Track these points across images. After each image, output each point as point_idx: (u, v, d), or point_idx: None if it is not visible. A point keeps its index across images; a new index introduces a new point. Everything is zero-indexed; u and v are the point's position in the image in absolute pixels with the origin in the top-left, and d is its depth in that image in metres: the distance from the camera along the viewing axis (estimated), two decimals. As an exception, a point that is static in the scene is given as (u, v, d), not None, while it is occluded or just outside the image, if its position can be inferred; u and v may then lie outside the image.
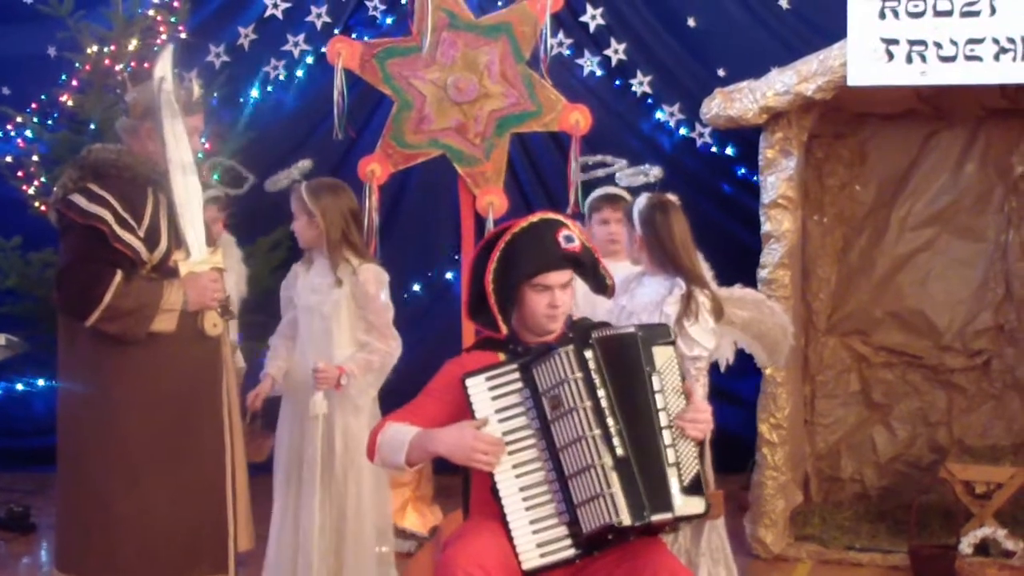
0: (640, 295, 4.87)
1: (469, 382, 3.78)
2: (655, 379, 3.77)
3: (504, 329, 3.93)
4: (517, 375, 3.78)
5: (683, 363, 3.97)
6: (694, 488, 3.75)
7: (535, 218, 4.00)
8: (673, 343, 3.88)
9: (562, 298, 3.93)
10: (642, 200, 4.93)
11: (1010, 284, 7.05)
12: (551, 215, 4.04)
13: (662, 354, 3.82)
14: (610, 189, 5.78)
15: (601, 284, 4.06)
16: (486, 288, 3.91)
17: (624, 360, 3.78)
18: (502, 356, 3.91)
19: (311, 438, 5.07)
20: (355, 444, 5.16)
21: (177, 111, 4.13)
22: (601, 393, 3.72)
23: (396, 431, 3.87)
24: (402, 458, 3.85)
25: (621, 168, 6.09)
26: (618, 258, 5.25)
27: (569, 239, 3.93)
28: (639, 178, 5.79)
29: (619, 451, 3.69)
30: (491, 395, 3.78)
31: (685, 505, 3.71)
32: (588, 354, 3.75)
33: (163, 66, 4.20)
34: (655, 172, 5.85)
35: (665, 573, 3.69)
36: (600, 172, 6.19)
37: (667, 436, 3.74)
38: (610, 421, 3.70)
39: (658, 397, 3.76)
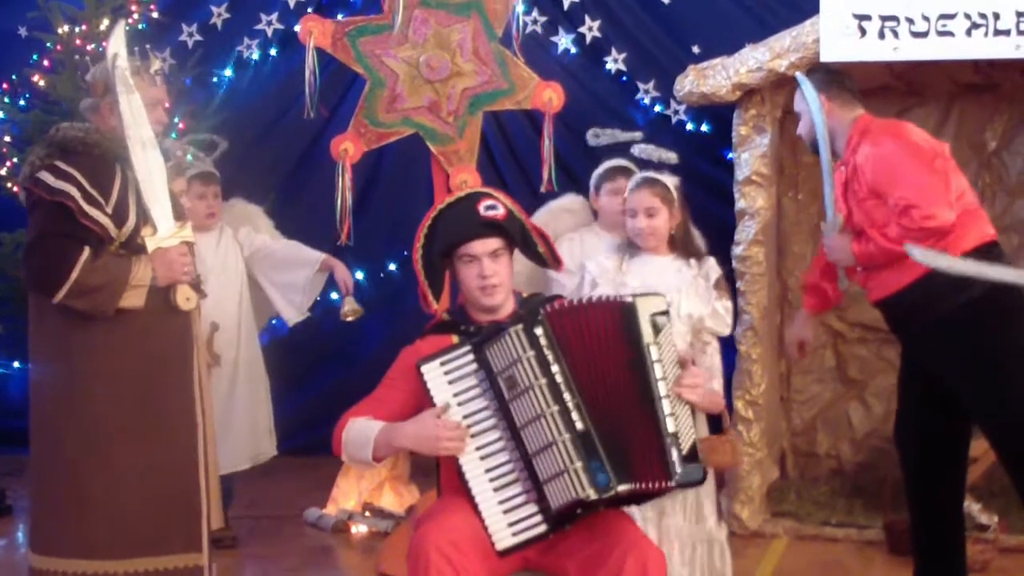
0: (653, 275, 4.86)
1: (424, 368, 3.79)
2: (654, 349, 3.79)
3: (434, 306, 3.98)
4: (471, 357, 3.78)
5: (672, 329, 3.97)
6: (692, 456, 3.77)
7: (461, 193, 4.05)
8: (667, 312, 3.88)
9: (492, 268, 3.94)
10: (673, 180, 5.00)
11: (985, 260, 7.07)
12: (479, 189, 4.07)
13: (659, 323, 3.84)
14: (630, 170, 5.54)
15: (536, 255, 4.07)
16: (415, 266, 3.96)
17: (614, 330, 3.80)
18: (455, 339, 3.91)
19: None
20: None
21: (132, 87, 4.12)
22: (555, 369, 3.72)
23: (360, 427, 3.87)
24: (369, 455, 3.85)
25: (635, 139, 6.01)
26: (659, 251, 5.02)
27: (491, 207, 3.95)
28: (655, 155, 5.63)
29: (579, 425, 3.70)
30: (447, 379, 3.78)
31: (685, 473, 3.74)
32: (539, 331, 3.74)
33: (116, 42, 4.19)
34: (671, 156, 5.69)
35: (635, 552, 3.71)
36: (619, 138, 6.06)
37: (667, 405, 3.76)
38: (567, 396, 3.71)
39: (657, 367, 3.78)
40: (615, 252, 4.99)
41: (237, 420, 6.29)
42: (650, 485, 3.75)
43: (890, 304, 5.06)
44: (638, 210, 4.92)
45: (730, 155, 6.70)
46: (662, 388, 3.77)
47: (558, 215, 6.07)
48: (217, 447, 5.24)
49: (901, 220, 4.78)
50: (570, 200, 6.21)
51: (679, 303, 4.82)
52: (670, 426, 3.74)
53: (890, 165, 4.89)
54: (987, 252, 4.91)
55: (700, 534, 4.87)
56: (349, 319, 6.27)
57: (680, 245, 4.98)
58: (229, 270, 6.35)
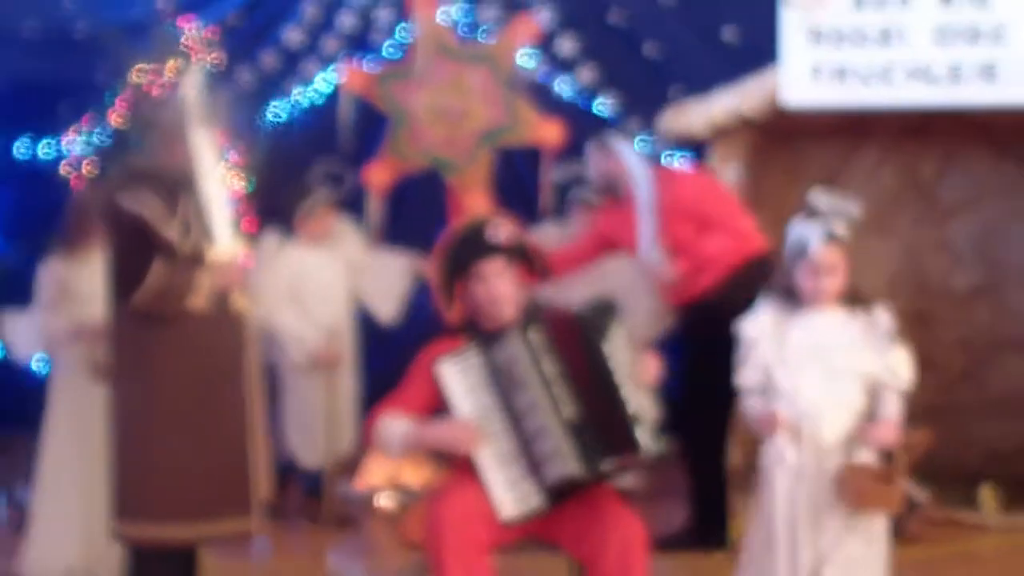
0: (819, 333, 4.07)
1: (439, 368, 3.93)
2: (606, 346, 3.86)
3: (449, 314, 4.09)
4: (478, 357, 3.92)
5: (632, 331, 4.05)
6: (655, 431, 3.84)
7: (472, 219, 4.18)
8: (612, 311, 3.94)
9: (498, 285, 4.03)
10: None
11: (923, 276, 7.16)
12: (487, 216, 4.21)
13: (604, 324, 3.90)
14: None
15: (535, 271, 4.19)
16: (432, 282, 4.08)
17: (578, 334, 3.90)
18: (466, 341, 4.02)
19: None
20: None
21: (201, 123, 4.25)
22: (546, 366, 3.85)
23: (390, 427, 3.98)
24: (398, 451, 4.01)
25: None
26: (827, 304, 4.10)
27: (496, 232, 4.08)
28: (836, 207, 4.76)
29: (566, 413, 3.82)
30: (459, 377, 3.92)
31: (648, 445, 3.81)
32: (532, 334, 3.88)
33: (190, 83, 4.33)
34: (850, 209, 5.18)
35: (620, 527, 3.83)
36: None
37: (626, 392, 3.82)
38: (556, 389, 3.84)
39: (611, 361, 3.85)
40: (773, 307, 4.14)
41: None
42: (624, 459, 3.87)
43: None
44: (826, 269, 4.03)
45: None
46: (619, 378, 3.82)
47: (545, 237, 6.17)
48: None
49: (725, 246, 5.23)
50: (552, 226, 6.35)
51: (849, 361, 4.04)
52: (631, 408, 3.80)
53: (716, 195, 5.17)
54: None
55: None
56: None
57: (845, 296, 4.11)
58: (338, 285, 6.42)
